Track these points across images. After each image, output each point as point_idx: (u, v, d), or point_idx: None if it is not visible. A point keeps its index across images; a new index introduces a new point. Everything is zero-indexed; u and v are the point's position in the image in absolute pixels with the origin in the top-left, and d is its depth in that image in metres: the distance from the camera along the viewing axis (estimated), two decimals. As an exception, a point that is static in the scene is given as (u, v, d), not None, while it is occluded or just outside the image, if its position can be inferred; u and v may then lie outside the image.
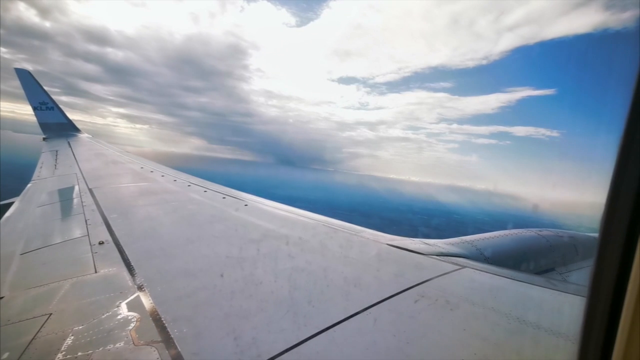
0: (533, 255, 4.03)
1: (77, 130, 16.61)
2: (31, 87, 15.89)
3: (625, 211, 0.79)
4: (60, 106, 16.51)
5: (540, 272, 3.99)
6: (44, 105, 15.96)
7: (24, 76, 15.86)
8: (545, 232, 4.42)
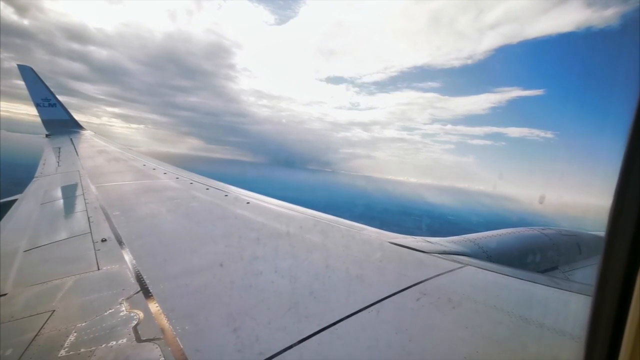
0: (536, 253, 4.01)
1: (79, 127, 16.62)
2: (34, 83, 15.89)
3: (632, 210, 0.78)
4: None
5: (543, 270, 3.97)
6: (46, 102, 15.97)
7: (27, 73, 15.87)
8: (548, 230, 4.40)
